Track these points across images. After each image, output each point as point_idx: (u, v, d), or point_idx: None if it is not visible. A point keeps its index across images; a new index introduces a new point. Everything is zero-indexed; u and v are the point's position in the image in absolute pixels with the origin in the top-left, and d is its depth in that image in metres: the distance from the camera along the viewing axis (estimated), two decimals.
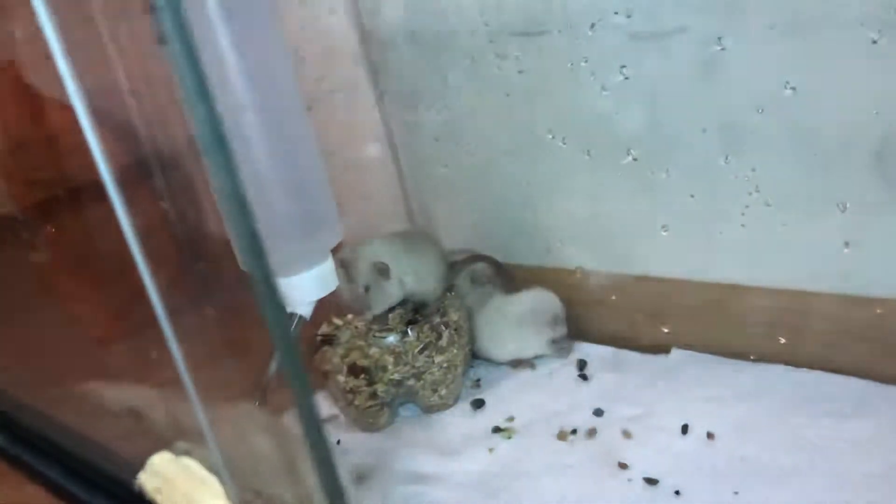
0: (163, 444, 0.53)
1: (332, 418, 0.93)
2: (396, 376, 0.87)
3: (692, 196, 0.84)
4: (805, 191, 0.77)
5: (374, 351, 0.87)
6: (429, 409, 0.91)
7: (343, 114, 1.06)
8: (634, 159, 0.86)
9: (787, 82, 0.73)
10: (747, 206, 0.80)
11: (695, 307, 0.89)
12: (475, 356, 0.97)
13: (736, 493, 0.68)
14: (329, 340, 0.90)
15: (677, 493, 0.70)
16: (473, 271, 1.00)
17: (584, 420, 0.83)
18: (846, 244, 0.76)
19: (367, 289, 0.86)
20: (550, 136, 0.91)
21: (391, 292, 0.87)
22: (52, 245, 1.03)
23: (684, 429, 0.78)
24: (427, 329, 0.88)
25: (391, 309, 0.90)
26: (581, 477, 0.75)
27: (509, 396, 0.91)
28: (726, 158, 0.80)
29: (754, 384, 0.81)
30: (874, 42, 0.67)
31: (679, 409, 0.80)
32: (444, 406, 0.91)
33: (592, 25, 0.82)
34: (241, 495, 0.47)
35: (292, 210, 0.75)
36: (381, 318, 0.90)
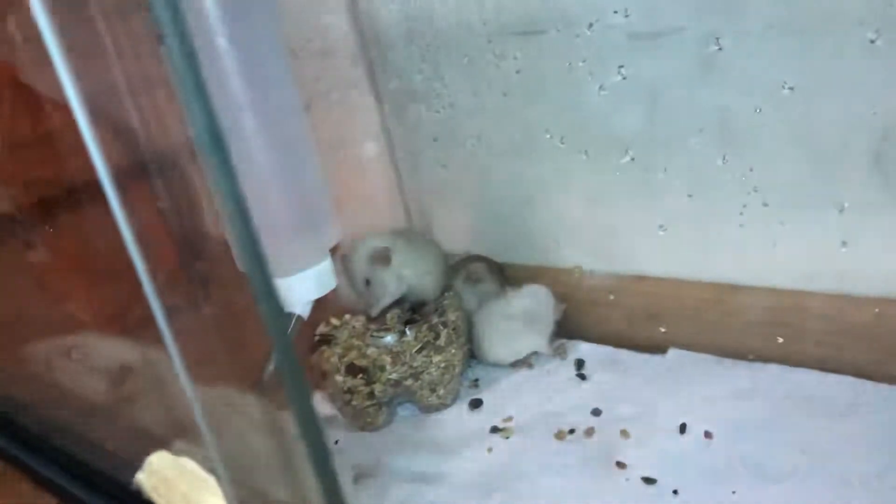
0: (161, 443, 0.53)
1: (331, 418, 0.93)
2: (394, 376, 0.87)
3: (690, 196, 0.84)
4: (803, 191, 0.77)
5: (371, 351, 0.87)
6: (427, 409, 0.91)
7: (341, 113, 1.06)
8: (632, 159, 0.86)
9: (785, 82, 0.73)
10: (745, 206, 0.80)
11: (692, 307, 0.89)
12: (473, 358, 0.97)
13: (733, 492, 0.69)
14: (327, 340, 0.90)
15: (675, 492, 0.70)
16: (468, 271, 1.00)
17: (581, 420, 0.83)
18: (844, 244, 0.76)
19: (367, 282, 0.86)
20: (548, 136, 0.91)
21: (391, 285, 0.87)
22: (50, 245, 1.03)
23: (682, 428, 0.78)
24: (425, 329, 0.88)
25: (389, 308, 0.90)
26: (579, 476, 0.75)
27: (507, 396, 0.91)
28: (724, 158, 0.80)
29: (752, 384, 0.81)
30: (872, 42, 0.67)
31: (677, 408, 0.80)
32: (442, 406, 0.91)
33: (590, 25, 0.82)
34: (239, 494, 0.47)
35: (290, 209, 0.75)
36: (379, 318, 0.90)
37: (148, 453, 0.52)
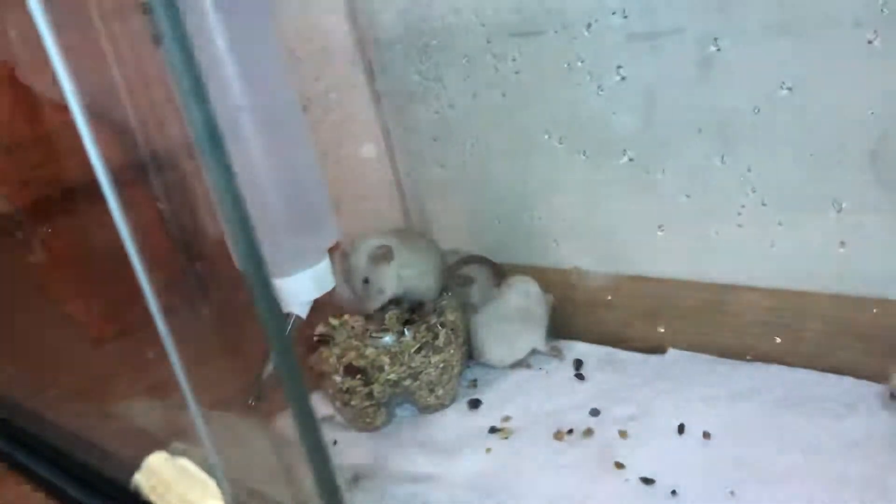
0: (159, 444, 0.53)
1: (329, 418, 0.93)
2: (393, 376, 0.87)
3: (688, 196, 0.84)
4: (801, 191, 0.77)
5: (370, 351, 0.86)
6: (425, 410, 0.91)
7: (339, 114, 1.06)
8: (630, 159, 0.86)
9: (783, 82, 0.73)
10: (743, 206, 0.80)
11: (691, 307, 0.89)
12: (472, 358, 0.97)
13: (732, 492, 0.68)
14: (325, 340, 0.90)
15: (673, 492, 0.70)
16: (457, 275, 1.00)
17: (580, 420, 0.83)
18: (842, 244, 0.77)
19: (366, 280, 0.85)
20: (547, 137, 0.91)
21: (390, 284, 0.87)
22: (48, 245, 1.03)
23: (680, 428, 0.78)
24: (423, 329, 0.88)
25: (387, 309, 0.90)
26: (577, 477, 0.75)
27: (506, 396, 0.91)
28: (722, 158, 0.80)
29: (750, 384, 0.81)
30: (870, 42, 0.67)
31: (675, 408, 0.80)
32: (440, 406, 0.91)
33: (589, 26, 0.82)
34: (236, 495, 0.47)
35: (288, 210, 0.75)
36: (378, 319, 0.90)
37: (146, 454, 0.52)
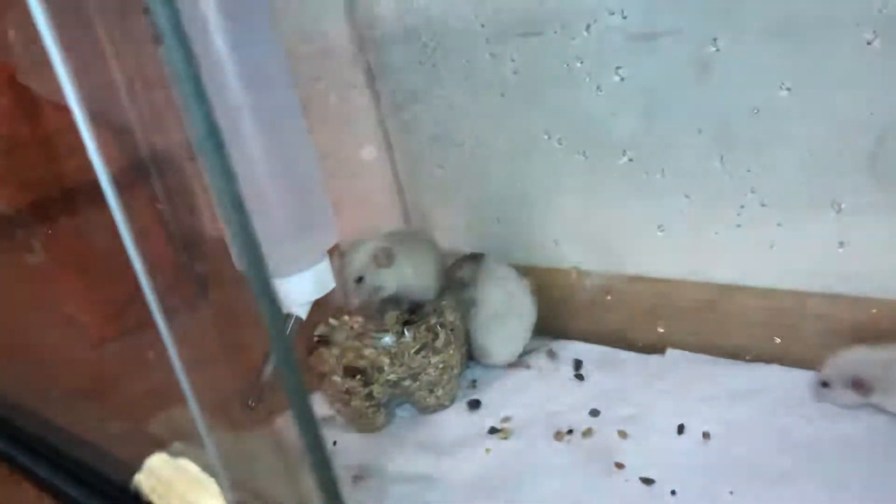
0: (159, 445, 0.53)
1: (329, 419, 0.93)
2: (393, 377, 0.87)
3: (687, 196, 0.84)
4: (800, 191, 0.77)
5: (370, 352, 0.87)
6: (425, 410, 0.91)
7: (339, 114, 1.06)
8: (630, 160, 0.86)
9: (783, 83, 0.73)
10: (742, 207, 0.81)
11: (690, 307, 0.89)
12: (472, 359, 0.97)
13: (731, 492, 0.69)
14: (325, 341, 0.90)
15: (673, 492, 0.70)
16: (454, 277, 1.00)
17: (580, 420, 0.83)
18: (841, 244, 0.77)
19: (359, 280, 0.85)
20: (546, 137, 0.92)
21: (387, 285, 0.87)
22: (49, 246, 1.03)
23: (680, 429, 0.78)
24: (423, 330, 0.88)
25: (387, 309, 0.90)
26: (577, 477, 0.75)
27: (505, 397, 0.91)
28: (722, 159, 0.80)
29: (749, 384, 0.81)
30: (869, 43, 0.67)
31: (675, 409, 0.80)
32: (440, 407, 0.91)
33: (588, 26, 0.82)
34: (237, 496, 0.47)
35: (288, 210, 0.75)
36: (377, 319, 0.90)
37: (147, 455, 0.52)
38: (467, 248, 1.04)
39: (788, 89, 0.73)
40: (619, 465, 0.75)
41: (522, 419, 0.86)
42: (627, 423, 0.80)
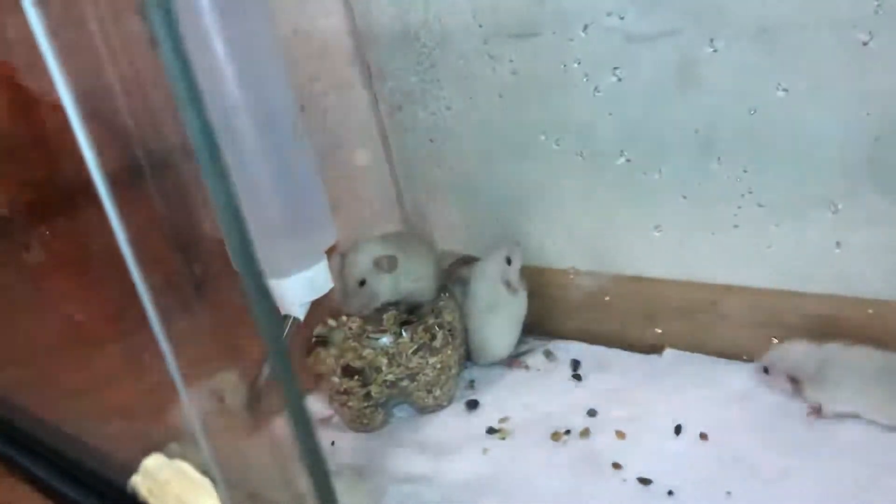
0: (156, 446, 0.53)
1: (327, 419, 0.93)
2: (391, 377, 0.87)
3: (685, 197, 0.84)
4: (797, 192, 0.77)
5: (368, 352, 0.87)
6: (423, 410, 0.91)
7: (337, 114, 1.06)
8: (627, 160, 0.86)
9: (780, 84, 0.73)
10: (739, 207, 0.81)
11: (688, 308, 0.89)
12: (469, 360, 0.98)
13: (728, 493, 0.69)
14: (323, 342, 0.90)
15: (670, 493, 0.70)
16: (458, 279, 1.00)
17: (577, 420, 0.83)
18: (838, 245, 0.77)
19: (362, 283, 0.85)
20: (544, 138, 0.92)
21: (384, 292, 0.87)
22: (45, 246, 1.03)
23: (677, 429, 0.78)
24: (421, 330, 0.88)
25: (385, 310, 0.90)
26: (575, 477, 0.75)
27: (503, 397, 0.91)
28: (718, 160, 0.80)
29: (746, 384, 0.81)
30: (865, 44, 0.67)
31: (672, 409, 0.81)
32: (438, 407, 0.91)
33: (585, 27, 0.82)
34: (233, 497, 0.48)
35: (286, 211, 0.75)
36: (376, 320, 0.90)
37: (143, 456, 0.52)
38: (465, 249, 1.04)
39: (785, 90, 0.73)
40: (617, 466, 0.75)
41: (520, 419, 0.86)
42: (625, 424, 0.81)
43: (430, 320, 0.90)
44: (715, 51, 0.76)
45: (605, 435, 0.80)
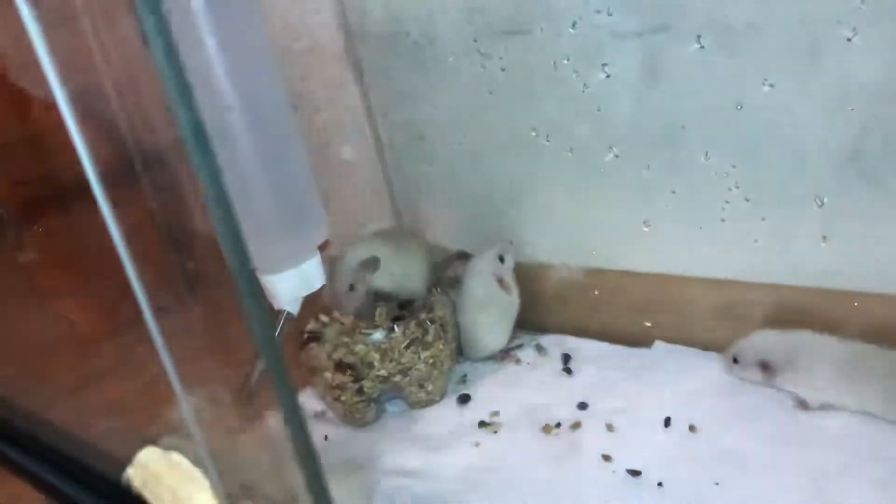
0: (150, 440, 0.54)
1: (320, 414, 0.94)
2: (383, 372, 0.87)
3: (673, 192, 0.85)
4: (783, 186, 0.78)
5: (360, 347, 0.87)
6: (415, 405, 0.92)
7: (328, 112, 1.06)
8: (616, 156, 0.87)
9: (766, 79, 0.74)
10: (727, 202, 0.82)
11: (676, 301, 0.90)
12: (461, 355, 0.98)
13: (716, 483, 0.70)
14: (316, 337, 0.90)
15: (660, 484, 0.71)
16: (451, 277, 1.00)
17: (568, 414, 0.84)
18: (824, 238, 0.78)
19: (351, 287, 0.86)
20: (534, 134, 0.92)
21: (376, 287, 0.88)
22: (39, 245, 1.03)
23: (667, 421, 0.79)
24: (413, 325, 0.89)
25: (377, 306, 0.91)
26: (565, 470, 0.76)
27: (495, 391, 0.92)
28: (706, 155, 0.81)
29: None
30: (849, 40, 0.68)
31: (662, 402, 0.82)
32: (430, 401, 0.92)
33: (574, 24, 0.83)
34: (227, 489, 0.48)
35: (278, 207, 0.75)
36: (368, 315, 0.91)
37: (137, 450, 0.53)
38: (456, 245, 1.04)
39: (771, 86, 0.74)
40: (607, 458, 0.76)
41: (511, 413, 0.87)
42: (615, 416, 0.82)
43: (422, 315, 0.90)
44: (702, 47, 0.76)
45: (595, 427, 0.81)
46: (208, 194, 0.31)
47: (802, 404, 0.76)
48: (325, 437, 0.90)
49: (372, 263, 0.87)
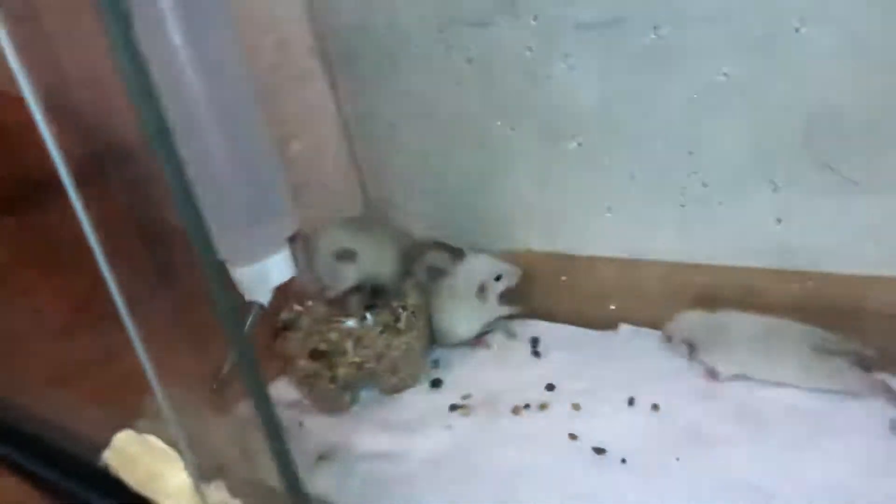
0: (126, 425, 0.55)
1: (295, 403, 0.95)
2: (356, 360, 0.89)
3: (633, 178, 0.87)
4: (739, 171, 0.80)
5: (333, 335, 0.88)
6: (389, 391, 0.93)
7: (297, 103, 1.07)
8: (579, 144, 0.89)
9: (720, 69, 0.76)
10: (685, 188, 0.84)
11: (640, 285, 0.92)
12: (434, 342, 1.00)
13: (677, 458, 0.72)
14: (289, 326, 0.91)
15: (623, 461, 0.74)
16: (430, 266, 1.02)
17: (536, 395, 0.86)
18: (778, 220, 0.80)
19: (329, 271, 0.87)
20: (499, 123, 0.94)
21: (347, 276, 0.89)
22: (13, 239, 1.03)
23: (630, 401, 0.81)
24: (386, 313, 0.90)
25: (350, 294, 0.92)
26: (534, 449, 0.78)
27: (466, 375, 0.94)
28: (664, 142, 0.83)
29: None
30: (797, 30, 0.71)
31: (626, 382, 0.84)
32: (403, 387, 0.93)
33: (536, 16, 0.85)
34: (199, 466, 0.50)
35: (246, 199, 0.76)
36: (341, 304, 0.92)
37: (114, 434, 0.54)
38: (427, 233, 1.05)
39: (726, 75, 0.76)
40: (573, 437, 0.78)
41: (482, 396, 0.89)
42: (581, 397, 0.84)
43: (394, 303, 0.92)
44: (659, 38, 0.78)
45: (562, 408, 0.83)
46: (173, 189, 0.33)
47: (712, 374, 0.80)
48: (301, 424, 0.90)
49: (347, 254, 0.88)
